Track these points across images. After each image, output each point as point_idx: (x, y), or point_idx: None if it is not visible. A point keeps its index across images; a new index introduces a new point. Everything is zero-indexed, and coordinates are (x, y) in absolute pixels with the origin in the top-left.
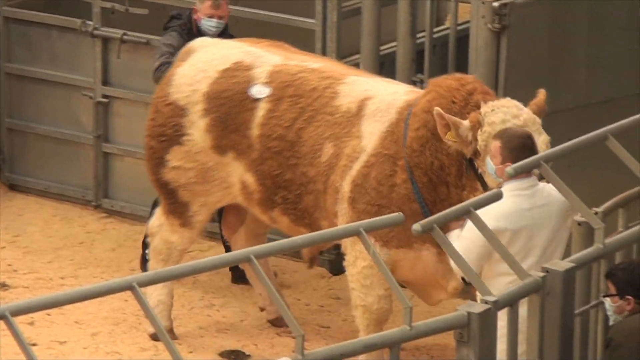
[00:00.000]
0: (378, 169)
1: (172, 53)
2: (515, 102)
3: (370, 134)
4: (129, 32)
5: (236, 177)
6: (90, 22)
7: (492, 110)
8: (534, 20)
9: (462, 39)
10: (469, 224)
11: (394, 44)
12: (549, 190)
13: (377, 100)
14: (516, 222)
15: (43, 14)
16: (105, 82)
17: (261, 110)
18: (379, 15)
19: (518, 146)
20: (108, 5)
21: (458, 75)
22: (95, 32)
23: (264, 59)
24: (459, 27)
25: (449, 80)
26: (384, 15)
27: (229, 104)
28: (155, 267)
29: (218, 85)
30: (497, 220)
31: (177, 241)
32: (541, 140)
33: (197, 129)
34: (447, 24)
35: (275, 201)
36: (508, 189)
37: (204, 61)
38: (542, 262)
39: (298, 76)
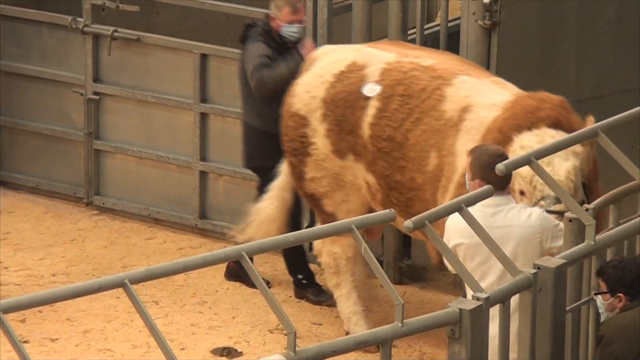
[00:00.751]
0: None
1: (268, 62)
2: (554, 133)
3: (462, 153)
4: (119, 29)
5: (361, 178)
6: (80, 19)
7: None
8: (524, 17)
9: (453, 35)
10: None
11: (385, 40)
12: (515, 214)
13: (474, 115)
14: (471, 236)
15: (33, 11)
16: (96, 79)
17: (372, 109)
18: (369, 11)
19: (486, 164)
20: (99, 2)
21: (545, 95)
22: (86, 29)
23: (377, 58)
24: (450, 24)
25: (530, 100)
26: (374, 12)
27: (343, 105)
28: (332, 281)
29: (334, 89)
30: (452, 233)
31: (339, 251)
32: (564, 167)
33: (319, 136)
34: (438, 20)
35: (392, 202)
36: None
37: (322, 67)
38: (504, 283)
39: (409, 74)
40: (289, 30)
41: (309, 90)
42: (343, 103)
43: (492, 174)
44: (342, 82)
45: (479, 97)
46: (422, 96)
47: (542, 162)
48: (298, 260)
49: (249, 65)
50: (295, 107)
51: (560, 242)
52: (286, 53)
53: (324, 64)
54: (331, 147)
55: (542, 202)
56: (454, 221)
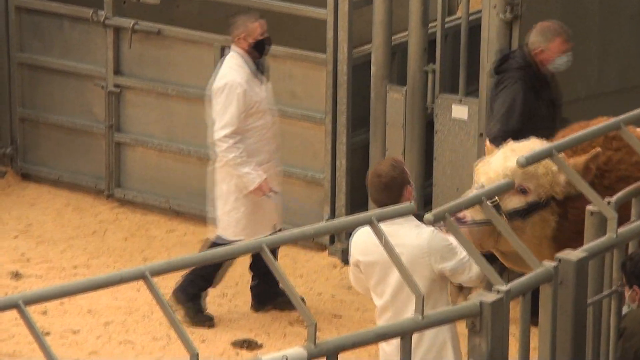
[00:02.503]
0: None
1: (510, 135)
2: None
3: None
4: (140, 22)
5: None
6: (102, 12)
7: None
8: (546, 10)
9: (474, 29)
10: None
11: (405, 33)
12: (406, 233)
13: None
14: (367, 254)
15: (55, 4)
16: (117, 71)
17: None
18: (390, 4)
19: (370, 184)
20: None
21: None
22: (107, 21)
23: None
24: (471, 17)
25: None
26: (395, 5)
27: None
28: None
29: None
30: (353, 249)
31: None
32: (502, 165)
33: None
34: (459, 13)
35: None
36: None
37: None
38: (398, 305)
39: None
40: (560, 62)
41: None
42: None
43: (379, 195)
44: None
45: None
46: None
47: (485, 161)
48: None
49: (498, 111)
50: None
51: (452, 263)
52: (543, 87)
53: None
54: None
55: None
56: (356, 236)
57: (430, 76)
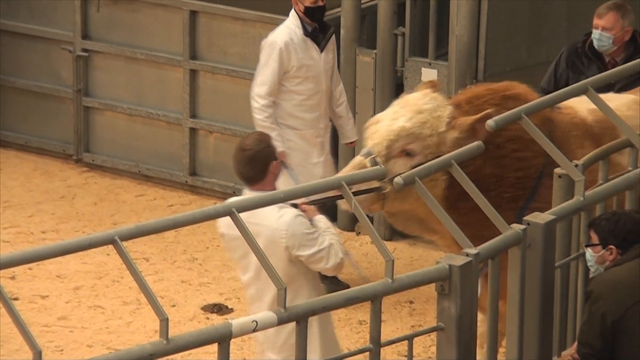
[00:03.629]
0: None
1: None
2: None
3: None
4: None
5: None
6: None
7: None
8: None
9: None
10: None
11: None
12: (269, 213)
13: None
14: (231, 227)
15: None
16: (85, 36)
17: None
18: None
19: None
20: None
21: None
22: None
23: None
24: None
25: None
26: None
27: None
28: None
29: None
30: (219, 220)
31: None
32: (387, 126)
33: None
34: None
35: None
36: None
37: None
38: (259, 284)
39: None
40: (594, 37)
41: None
42: None
43: (243, 168)
44: None
45: None
46: None
47: (374, 120)
48: None
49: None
50: None
51: (309, 252)
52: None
53: None
54: None
55: (364, 159)
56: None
57: (400, 39)
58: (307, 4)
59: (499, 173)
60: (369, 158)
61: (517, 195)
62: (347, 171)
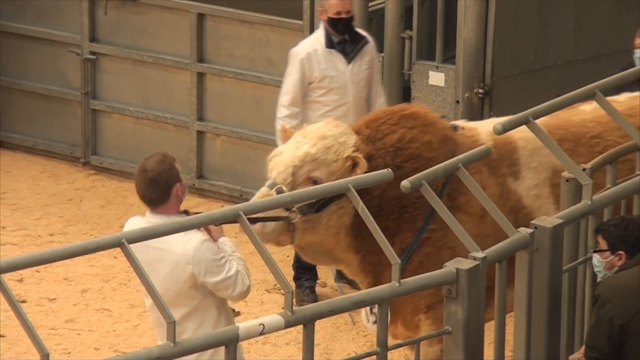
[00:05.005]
0: None
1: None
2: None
3: None
4: None
5: None
6: None
7: None
8: None
9: None
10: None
11: (382, 0)
12: (175, 237)
13: None
14: (136, 252)
15: None
16: (93, 38)
17: None
18: None
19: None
20: None
21: None
22: None
23: None
24: None
25: None
26: None
27: None
28: None
29: None
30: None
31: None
32: (291, 153)
33: None
34: None
35: None
36: (146, 218)
37: None
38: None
39: None
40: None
41: None
42: None
43: (145, 191)
44: None
45: None
46: None
47: (277, 152)
48: None
49: None
50: None
51: (216, 279)
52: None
53: None
54: None
55: (269, 191)
56: (127, 226)
57: (407, 43)
58: (330, 14)
59: (401, 194)
60: (275, 188)
61: (415, 216)
62: None
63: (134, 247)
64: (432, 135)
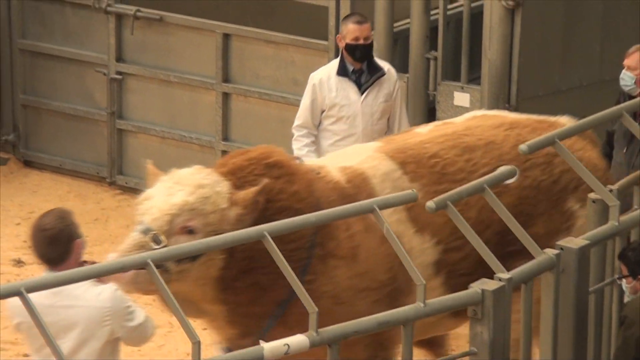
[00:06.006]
0: None
1: None
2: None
3: None
4: (142, 9)
5: None
6: None
7: None
8: None
9: (476, 15)
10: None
11: (407, 20)
12: (83, 291)
13: None
14: (42, 314)
15: None
16: (119, 58)
17: None
18: None
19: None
20: None
21: None
22: (109, 8)
23: None
24: (473, 4)
25: None
26: None
27: None
28: None
29: None
30: (12, 310)
31: None
32: (168, 201)
33: None
34: (461, 0)
35: None
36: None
37: None
38: None
39: None
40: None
41: None
42: None
43: (45, 250)
44: None
45: None
46: None
47: (146, 196)
48: None
49: None
50: None
51: (130, 325)
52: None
53: None
54: None
55: (142, 236)
56: (13, 299)
57: (432, 63)
58: (348, 40)
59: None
60: (150, 235)
61: (291, 268)
62: (124, 250)
63: (40, 310)
64: (299, 185)
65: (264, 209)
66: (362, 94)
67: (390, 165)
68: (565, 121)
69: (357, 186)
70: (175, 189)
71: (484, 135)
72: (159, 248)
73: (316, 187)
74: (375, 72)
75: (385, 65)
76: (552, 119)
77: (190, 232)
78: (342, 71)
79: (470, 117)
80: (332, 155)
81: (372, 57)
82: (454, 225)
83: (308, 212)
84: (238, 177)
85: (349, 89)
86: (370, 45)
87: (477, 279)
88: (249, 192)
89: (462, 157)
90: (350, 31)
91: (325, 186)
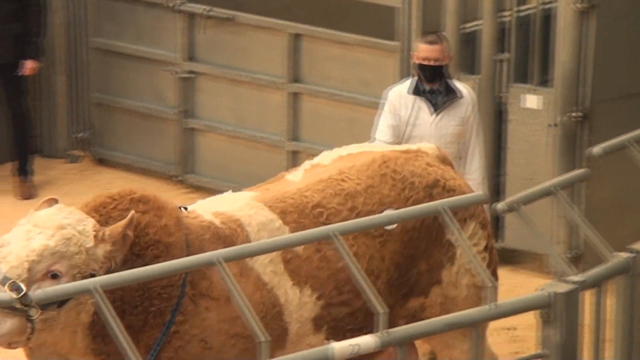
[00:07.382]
0: None
1: None
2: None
3: None
4: (214, 8)
5: None
6: None
7: None
8: (622, 0)
9: (548, 18)
10: None
11: (478, 22)
12: None
13: None
14: None
15: None
16: (190, 57)
17: None
18: None
19: None
20: None
21: None
22: (181, 7)
23: None
24: (545, 7)
25: None
26: None
27: None
28: None
29: None
30: None
31: None
32: (27, 245)
33: None
34: (533, 3)
35: None
36: None
37: None
38: None
39: None
40: None
41: None
42: None
43: None
44: None
45: None
46: None
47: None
48: None
49: None
50: None
51: None
52: None
53: None
54: None
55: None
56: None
57: (502, 65)
58: (418, 59)
59: (144, 285)
60: (8, 284)
61: (163, 308)
62: None
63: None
64: (167, 219)
65: (132, 244)
66: (436, 114)
67: (268, 214)
68: (427, 148)
69: (233, 229)
70: (34, 233)
71: (361, 179)
72: (20, 297)
73: (186, 222)
74: (451, 93)
75: (463, 89)
76: (415, 147)
77: (54, 276)
78: (415, 89)
79: (336, 158)
80: (202, 202)
81: (443, 78)
82: (339, 279)
83: (180, 247)
84: (101, 214)
85: (422, 108)
86: (441, 67)
87: (370, 333)
88: (117, 227)
89: (345, 206)
90: (421, 50)
91: (197, 223)
